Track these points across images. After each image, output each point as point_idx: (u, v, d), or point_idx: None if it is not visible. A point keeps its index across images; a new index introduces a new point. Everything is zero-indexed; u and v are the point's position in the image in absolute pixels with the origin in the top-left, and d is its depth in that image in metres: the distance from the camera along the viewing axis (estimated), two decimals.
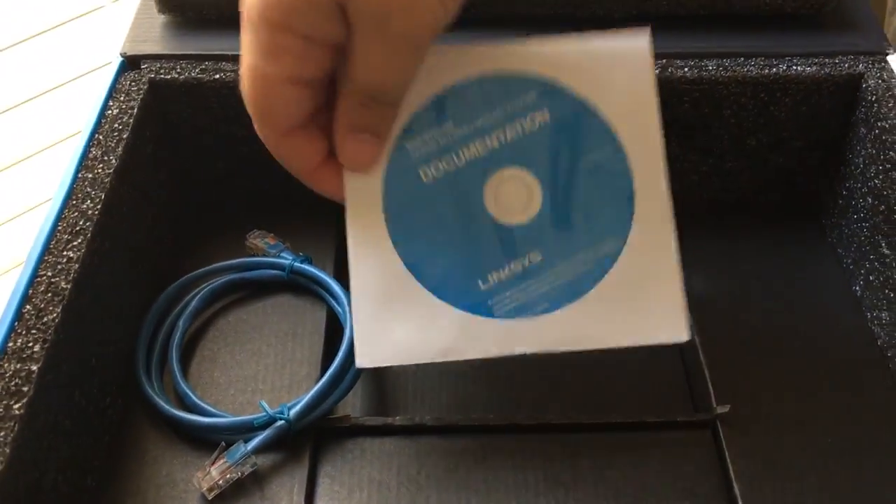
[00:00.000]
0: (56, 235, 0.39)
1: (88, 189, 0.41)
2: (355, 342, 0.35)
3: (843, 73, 0.47)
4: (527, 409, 0.43)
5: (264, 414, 0.40)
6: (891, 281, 0.44)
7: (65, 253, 0.38)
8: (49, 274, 0.37)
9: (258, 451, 0.39)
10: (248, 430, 0.40)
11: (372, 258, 0.36)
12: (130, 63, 0.48)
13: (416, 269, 0.36)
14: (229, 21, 0.49)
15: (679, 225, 0.52)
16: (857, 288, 0.47)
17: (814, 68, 0.47)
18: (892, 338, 0.44)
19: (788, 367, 0.44)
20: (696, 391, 0.44)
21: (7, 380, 0.34)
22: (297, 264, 0.47)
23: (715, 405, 0.42)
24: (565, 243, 0.36)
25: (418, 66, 0.33)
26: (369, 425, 0.42)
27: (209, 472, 0.38)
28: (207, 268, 0.47)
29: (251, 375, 0.44)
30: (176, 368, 0.43)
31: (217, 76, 0.47)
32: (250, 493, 0.39)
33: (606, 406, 0.43)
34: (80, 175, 0.41)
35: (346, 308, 0.44)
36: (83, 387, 0.38)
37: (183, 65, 0.47)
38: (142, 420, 0.42)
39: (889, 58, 0.48)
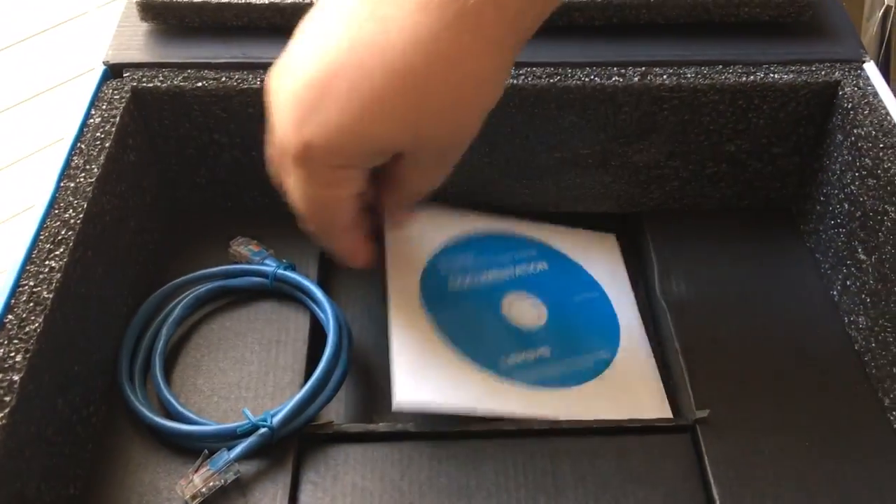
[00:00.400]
0: (38, 245, 0.39)
1: (70, 198, 0.41)
2: (395, 385, 0.40)
3: (820, 80, 0.47)
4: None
5: (247, 421, 0.40)
6: (867, 286, 0.45)
7: (47, 262, 0.38)
8: (31, 283, 0.37)
9: (241, 458, 0.39)
10: (231, 437, 0.40)
11: (410, 323, 0.43)
12: (113, 71, 0.48)
13: (448, 336, 0.43)
14: (211, 29, 0.50)
15: (659, 230, 0.53)
16: (835, 293, 0.48)
17: (791, 76, 0.47)
18: (869, 342, 0.44)
19: (767, 372, 0.45)
20: (675, 396, 0.45)
21: None
22: (280, 271, 0.47)
23: (694, 409, 0.42)
24: (568, 347, 0.46)
25: None
26: (352, 432, 0.42)
27: (192, 480, 0.38)
28: (191, 275, 0.47)
29: (234, 383, 0.44)
30: (159, 376, 0.43)
31: (199, 84, 0.47)
32: (233, 501, 0.39)
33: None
34: (62, 184, 0.42)
35: (329, 315, 0.44)
36: (66, 395, 0.38)
37: (165, 73, 0.47)
38: (125, 428, 0.42)
39: (865, 65, 0.48)
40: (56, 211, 0.40)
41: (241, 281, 0.48)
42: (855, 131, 0.46)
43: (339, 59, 0.33)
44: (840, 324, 0.47)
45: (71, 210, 0.40)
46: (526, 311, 0.47)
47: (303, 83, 0.34)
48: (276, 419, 0.40)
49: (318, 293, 0.46)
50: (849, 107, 0.46)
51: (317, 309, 0.46)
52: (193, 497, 0.38)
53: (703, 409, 0.42)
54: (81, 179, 0.42)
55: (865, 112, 0.45)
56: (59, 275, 0.38)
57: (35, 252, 0.39)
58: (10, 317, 0.36)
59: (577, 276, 0.50)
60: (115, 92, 0.47)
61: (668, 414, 0.44)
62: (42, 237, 0.39)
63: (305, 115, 0.33)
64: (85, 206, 0.41)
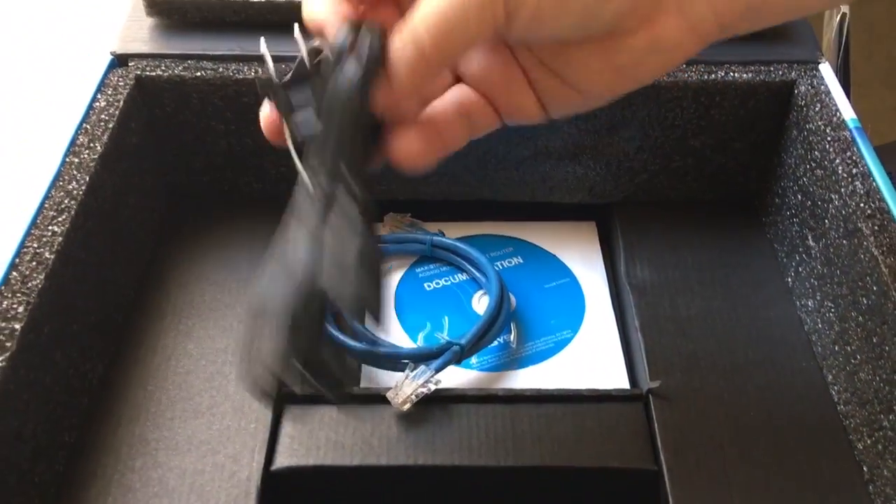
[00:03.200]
0: (42, 212, 0.43)
1: (74, 172, 0.45)
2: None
3: (777, 79, 0.50)
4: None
5: (443, 342, 0.46)
6: (815, 271, 0.48)
7: (50, 227, 0.42)
8: (35, 245, 0.41)
9: (438, 370, 0.45)
10: (428, 356, 0.46)
11: None
12: (119, 61, 0.52)
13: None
14: (211, 24, 0.53)
15: (628, 219, 0.56)
16: (789, 279, 0.51)
17: (750, 75, 0.50)
18: (815, 322, 0.47)
19: (719, 349, 0.47)
20: (633, 369, 0.48)
21: None
22: (437, 238, 0.54)
23: (648, 380, 0.45)
24: (532, 332, 0.50)
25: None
26: None
27: (401, 388, 0.44)
28: None
29: (221, 348, 0.47)
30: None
31: (198, 74, 0.50)
32: (216, 452, 0.42)
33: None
34: (67, 160, 0.45)
35: (489, 272, 0.51)
36: (64, 350, 0.42)
37: (167, 63, 0.51)
38: (118, 387, 0.45)
39: (820, 66, 0.51)
40: (60, 183, 0.44)
41: (402, 247, 0.55)
42: (807, 126, 0.49)
43: None
44: (793, 307, 0.50)
45: (74, 182, 0.44)
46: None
47: None
48: (464, 340, 0.46)
49: (475, 254, 0.52)
50: (803, 104, 0.50)
51: (472, 269, 0.53)
52: (403, 402, 0.43)
53: (656, 380, 0.45)
54: (85, 155, 0.46)
55: (817, 108, 0.49)
56: (60, 238, 0.41)
57: (39, 218, 0.42)
58: (14, 274, 0.40)
59: (551, 266, 0.54)
60: (121, 79, 0.50)
61: (625, 385, 0.47)
62: (46, 206, 0.43)
63: None
64: (87, 179, 0.44)
